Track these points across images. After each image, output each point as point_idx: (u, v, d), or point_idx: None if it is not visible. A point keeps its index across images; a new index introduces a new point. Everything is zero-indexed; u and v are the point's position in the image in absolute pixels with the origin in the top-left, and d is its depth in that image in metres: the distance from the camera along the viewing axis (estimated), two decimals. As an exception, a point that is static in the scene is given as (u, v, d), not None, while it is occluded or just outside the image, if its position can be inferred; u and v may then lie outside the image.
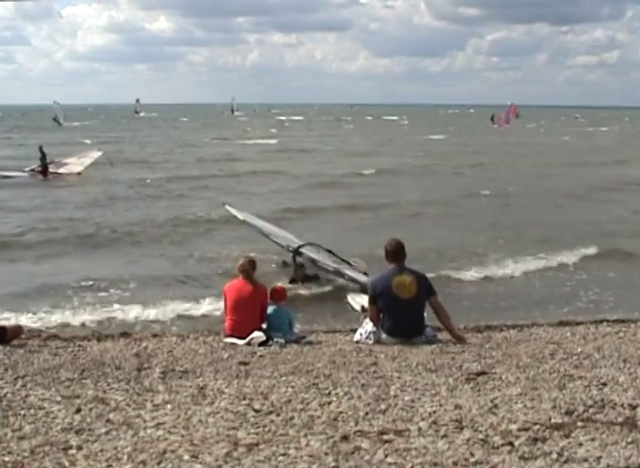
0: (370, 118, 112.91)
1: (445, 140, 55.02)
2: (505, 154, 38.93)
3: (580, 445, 3.61)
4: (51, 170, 27.30)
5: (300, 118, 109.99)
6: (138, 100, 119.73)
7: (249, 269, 7.15)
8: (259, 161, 35.05)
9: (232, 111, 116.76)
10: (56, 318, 9.28)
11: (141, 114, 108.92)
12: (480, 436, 3.77)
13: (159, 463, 3.43)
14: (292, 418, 4.14)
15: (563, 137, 60.50)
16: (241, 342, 6.79)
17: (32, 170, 27.33)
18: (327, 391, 4.76)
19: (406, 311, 6.77)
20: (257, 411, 4.27)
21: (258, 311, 7.09)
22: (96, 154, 29.58)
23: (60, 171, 27.56)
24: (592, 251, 13.71)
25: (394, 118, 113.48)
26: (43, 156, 27.17)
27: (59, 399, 4.52)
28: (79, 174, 27.53)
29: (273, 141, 50.06)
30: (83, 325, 9.00)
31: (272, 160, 35.57)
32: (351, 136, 60.62)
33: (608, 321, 8.54)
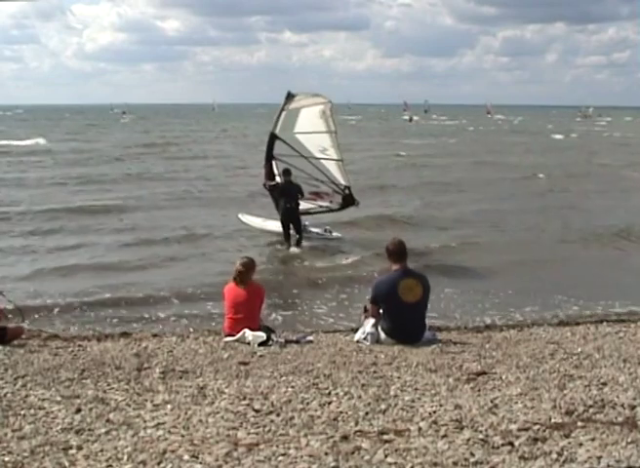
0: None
1: (577, 139, 52.58)
2: None
3: (581, 445, 3.61)
4: None
5: (354, 118, 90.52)
6: (124, 107, 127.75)
7: (243, 271, 7.24)
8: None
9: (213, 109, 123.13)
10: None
11: (129, 116, 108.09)
12: (480, 436, 3.76)
13: (159, 463, 3.43)
14: (292, 418, 4.14)
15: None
16: (234, 338, 6.92)
17: None
18: (327, 391, 4.76)
19: (410, 315, 6.77)
20: (257, 411, 4.27)
21: (255, 311, 7.19)
22: None
23: None
24: None
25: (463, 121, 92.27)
26: None
27: (59, 399, 4.52)
28: None
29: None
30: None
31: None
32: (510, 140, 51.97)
33: (608, 321, 8.53)
